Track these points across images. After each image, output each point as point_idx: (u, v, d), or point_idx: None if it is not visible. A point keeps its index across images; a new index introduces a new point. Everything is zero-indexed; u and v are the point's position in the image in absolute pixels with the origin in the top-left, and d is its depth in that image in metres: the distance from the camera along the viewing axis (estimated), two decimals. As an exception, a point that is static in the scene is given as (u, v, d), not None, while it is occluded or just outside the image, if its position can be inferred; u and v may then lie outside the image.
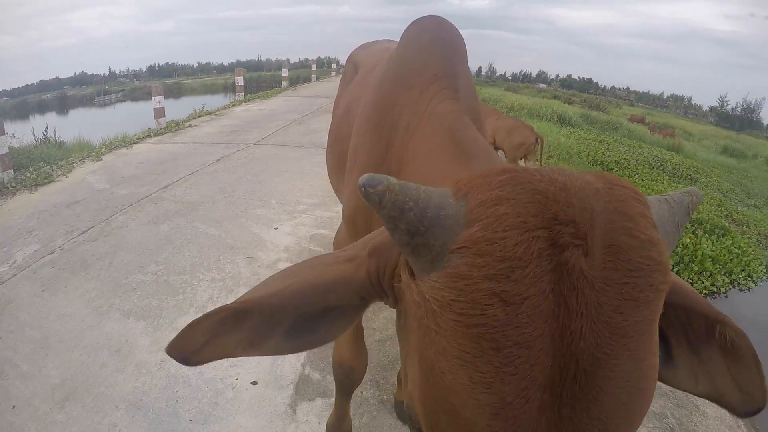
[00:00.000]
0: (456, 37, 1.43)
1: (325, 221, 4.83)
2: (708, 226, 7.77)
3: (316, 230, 4.61)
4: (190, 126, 10.08)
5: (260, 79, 58.10)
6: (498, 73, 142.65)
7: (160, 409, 2.42)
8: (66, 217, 4.93)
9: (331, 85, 21.34)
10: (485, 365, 0.53)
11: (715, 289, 6.40)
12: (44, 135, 9.83)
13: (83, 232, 4.51)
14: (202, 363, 0.76)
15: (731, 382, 0.76)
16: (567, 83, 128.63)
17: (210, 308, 1.72)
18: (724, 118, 72.67)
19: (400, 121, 1.30)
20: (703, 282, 6.36)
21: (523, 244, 0.53)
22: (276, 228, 4.59)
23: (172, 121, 10.31)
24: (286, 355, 2.73)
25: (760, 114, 71.98)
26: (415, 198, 0.57)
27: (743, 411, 0.75)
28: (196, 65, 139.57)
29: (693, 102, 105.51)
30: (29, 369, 2.70)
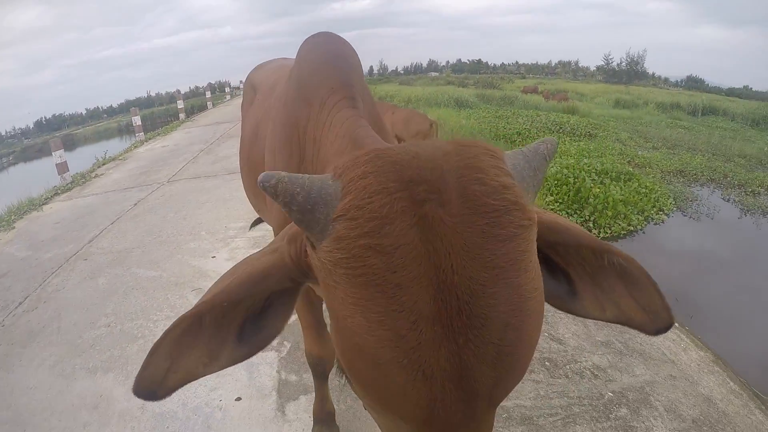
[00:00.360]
0: (347, 48, 1.61)
1: (258, 240, 5.02)
2: (613, 174, 8.50)
3: (252, 250, 4.71)
4: (96, 176, 9.87)
5: (155, 115, 56.61)
6: (390, 69, 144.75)
7: (157, 448, 2.55)
8: (-4, 293, 4.87)
9: (229, 109, 21.20)
10: (375, 306, 0.65)
11: (632, 228, 7.13)
12: None
13: (20, 303, 4.47)
14: (169, 393, 0.83)
15: (635, 305, 0.88)
16: (458, 68, 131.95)
17: None
18: (611, 74, 76.65)
19: (306, 135, 1.45)
20: (619, 224, 7.04)
21: (387, 205, 0.66)
22: (213, 257, 4.73)
23: (78, 174, 10.07)
24: (261, 368, 2.94)
25: (645, 65, 76.21)
26: (302, 184, 0.71)
27: (653, 329, 0.88)
28: (84, 112, 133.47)
29: (580, 65, 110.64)
30: (8, 450, 2.75)
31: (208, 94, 25.39)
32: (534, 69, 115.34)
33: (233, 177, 7.61)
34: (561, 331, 3.45)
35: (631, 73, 73.96)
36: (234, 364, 0.90)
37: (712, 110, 26.54)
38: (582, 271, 0.90)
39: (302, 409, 2.70)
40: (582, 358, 3.16)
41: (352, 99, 1.37)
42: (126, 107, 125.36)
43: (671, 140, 15.11)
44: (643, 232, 7.27)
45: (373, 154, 0.73)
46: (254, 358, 2.64)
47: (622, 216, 7.19)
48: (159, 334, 2.35)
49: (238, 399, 2.82)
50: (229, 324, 0.87)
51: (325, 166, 1.32)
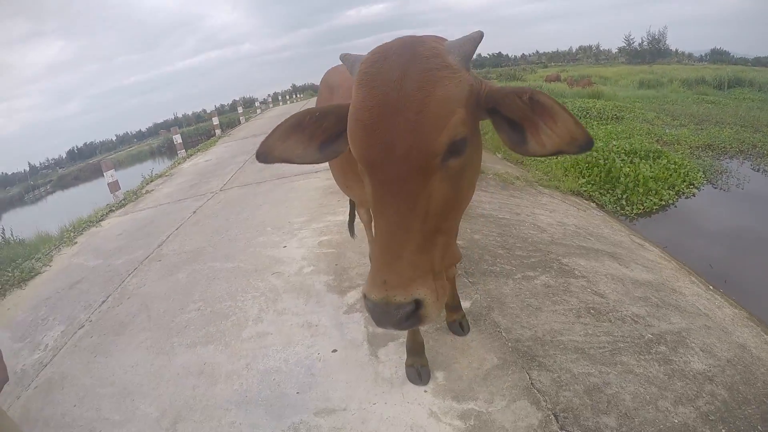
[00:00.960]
0: None
1: (323, 230, 5.23)
2: (642, 153, 8.78)
3: (320, 238, 5.01)
4: (147, 192, 10.26)
5: (185, 135, 57.75)
6: None
7: (267, 396, 2.77)
8: (75, 297, 5.12)
9: (261, 122, 21.69)
10: (359, 98, 1.25)
11: (663, 203, 7.45)
12: (2, 237, 9.86)
13: (103, 302, 4.73)
14: (274, 161, 1.51)
15: (560, 133, 1.19)
16: (479, 62, 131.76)
17: (264, 317, 2.36)
18: (634, 55, 75.50)
19: None
20: (651, 199, 7.36)
21: (377, 61, 1.26)
22: (285, 246, 4.94)
23: (129, 191, 10.50)
24: (350, 326, 3.18)
25: (667, 42, 75.10)
26: (352, 57, 1.45)
27: (576, 148, 1.20)
28: (115, 138, 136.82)
29: (602, 48, 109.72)
30: (122, 417, 2.96)
31: (240, 110, 26.30)
32: (555, 57, 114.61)
33: (283, 181, 7.87)
34: (602, 288, 3.67)
35: (654, 51, 72.80)
36: (312, 163, 1.55)
37: (738, 82, 26.25)
38: (522, 117, 1.26)
39: (392, 352, 2.93)
40: (622, 308, 3.38)
41: None
42: (155, 130, 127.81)
43: (698, 116, 15.17)
44: (675, 206, 7.51)
45: (381, 47, 1.33)
46: (344, 319, 2.91)
47: (653, 192, 7.48)
48: (250, 310, 2.79)
49: (334, 351, 3.04)
50: (316, 133, 1.50)
51: None
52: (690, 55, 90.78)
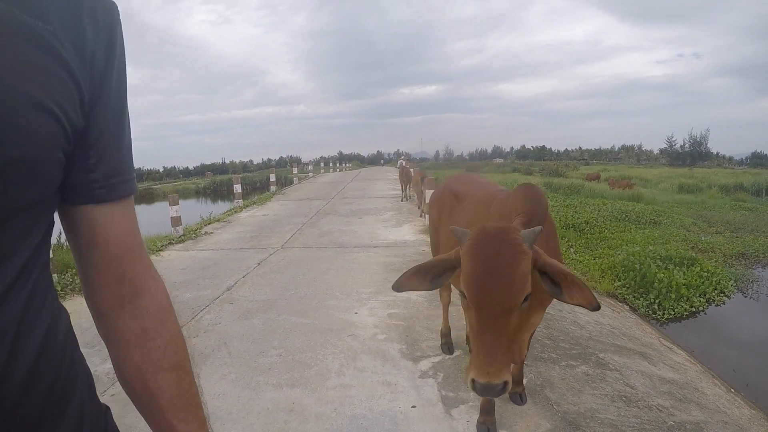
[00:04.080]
0: (540, 194, 2.75)
1: (390, 303, 5.73)
2: (677, 259, 9.32)
3: (389, 310, 5.50)
4: (206, 233, 10.97)
5: (231, 182, 59.37)
6: (455, 154, 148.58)
7: (355, 439, 3.27)
8: (146, 320, 5.66)
9: (315, 186, 22.60)
10: (468, 263, 2.08)
11: (694, 309, 7.90)
12: (58, 240, 10.54)
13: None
14: (402, 291, 2.35)
15: (582, 296, 2.06)
16: (522, 154, 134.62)
17: (345, 372, 4.01)
18: (675, 157, 76.44)
19: None
20: (682, 305, 7.84)
21: (479, 243, 2.08)
22: (356, 313, 5.44)
23: (188, 227, 11.25)
24: (425, 389, 3.83)
25: (708, 145, 75.98)
26: (462, 231, 2.19)
27: (592, 308, 2.03)
28: (162, 170, 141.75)
29: (644, 149, 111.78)
30: (209, 437, 3.41)
31: (295, 170, 27.37)
32: (597, 154, 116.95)
33: (344, 251, 8.48)
34: (632, 381, 4.23)
35: (695, 154, 73.31)
36: (429, 290, 2.39)
37: None
38: (561, 281, 2.12)
39: (464, 412, 3.46)
40: (649, 399, 3.94)
41: (530, 220, 2.50)
42: (201, 170, 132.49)
43: (734, 223, 15.66)
44: (705, 313, 7.94)
45: (481, 227, 2.13)
46: (419, 382, 3.61)
47: (685, 299, 7.94)
48: (331, 364, 4.17)
49: (413, 407, 3.53)
50: (428, 275, 2.30)
51: None
52: (731, 159, 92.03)
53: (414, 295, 5.87)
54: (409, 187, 15.84)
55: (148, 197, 69.07)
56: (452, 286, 4.07)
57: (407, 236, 9.83)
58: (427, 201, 10.65)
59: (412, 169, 16.16)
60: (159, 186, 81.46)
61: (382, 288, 6.29)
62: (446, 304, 4.45)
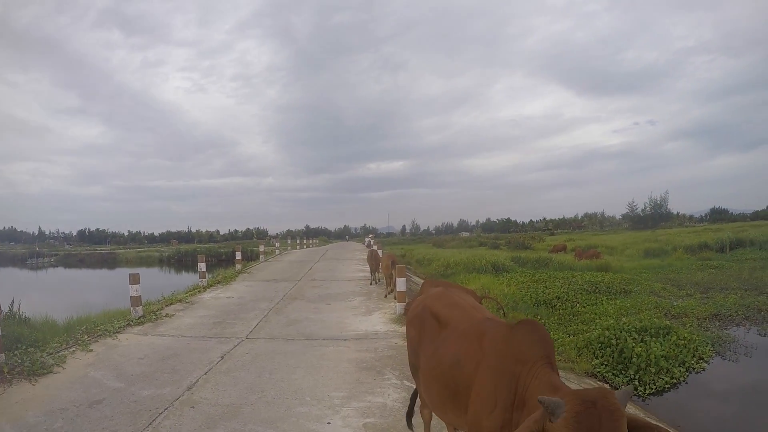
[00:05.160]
0: (547, 334, 2.73)
1: (365, 411, 5.41)
2: (652, 330, 9.29)
3: (364, 419, 5.18)
4: (167, 315, 10.53)
5: (197, 251, 59.13)
6: (422, 229, 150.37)
7: None
8: (98, 420, 5.20)
9: (282, 266, 22.22)
10: None
11: (675, 381, 7.80)
12: (10, 309, 9.98)
13: (131, 438, 4.86)
14: None
15: None
16: (488, 227, 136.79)
17: None
18: (637, 221, 79.21)
19: (519, 379, 2.56)
20: (662, 378, 7.77)
21: (581, 415, 1.94)
22: (329, 423, 5.09)
23: (148, 305, 10.86)
24: None
25: (668, 206, 79.34)
26: (555, 402, 2.00)
27: None
28: (126, 233, 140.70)
29: (606, 215, 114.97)
30: None
31: (262, 248, 26.80)
32: (562, 224, 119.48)
33: (312, 344, 8.14)
34: None
35: (656, 216, 76.28)
36: None
37: (739, 243, 28.74)
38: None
39: None
40: None
41: (551, 364, 2.57)
42: (166, 237, 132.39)
43: (703, 283, 16.10)
44: (686, 383, 7.86)
45: (577, 397, 2.01)
46: None
47: (665, 371, 7.87)
48: None
49: None
50: None
51: (530, 398, 2.44)
52: (691, 217, 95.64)
53: (390, 401, 5.62)
54: (378, 272, 15.63)
55: (111, 262, 68.58)
56: None
57: (378, 326, 9.52)
58: (398, 287, 10.45)
59: (380, 251, 15.96)
60: (122, 251, 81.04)
61: (355, 392, 5.97)
62: (428, 421, 4.29)
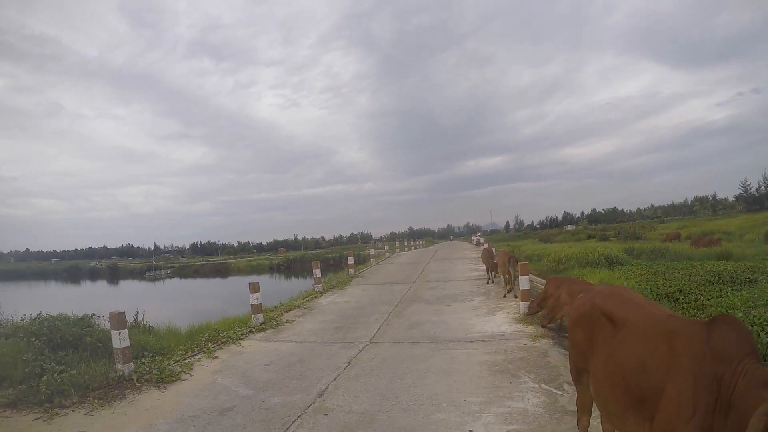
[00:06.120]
0: (747, 330, 2.46)
1: (507, 417, 4.94)
2: None
3: (507, 426, 4.72)
4: (287, 322, 10.48)
5: (305, 258, 60.81)
6: (526, 224, 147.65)
7: None
8: (230, 428, 5.05)
9: (395, 268, 22.08)
10: None
11: None
12: (134, 319, 10.28)
13: (267, 446, 4.63)
14: None
15: None
16: (593, 218, 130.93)
17: None
18: (752, 202, 72.91)
19: (722, 381, 2.27)
20: None
21: None
22: (471, 431, 4.67)
23: (267, 312, 10.87)
24: None
25: None
26: None
27: None
28: (236, 244, 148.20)
29: (718, 197, 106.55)
30: None
31: (372, 251, 26.81)
32: (671, 210, 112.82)
33: (439, 347, 7.72)
34: None
35: None
36: None
37: None
38: None
39: None
40: None
41: (757, 359, 2.29)
42: (274, 246, 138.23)
43: None
44: None
45: None
46: None
47: None
48: None
49: None
50: None
51: (740, 399, 2.19)
52: None
53: (531, 406, 5.13)
54: (495, 270, 14.89)
55: (223, 271, 72.04)
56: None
57: (503, 327, 8.96)
58: (521, 286, 9.85)
59: (493, 248, 15.32)
60: (233, 261, 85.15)
61: (493, 396, 5.47)
62: (585, 429, 3.91)
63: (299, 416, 5.25)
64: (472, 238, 54.97)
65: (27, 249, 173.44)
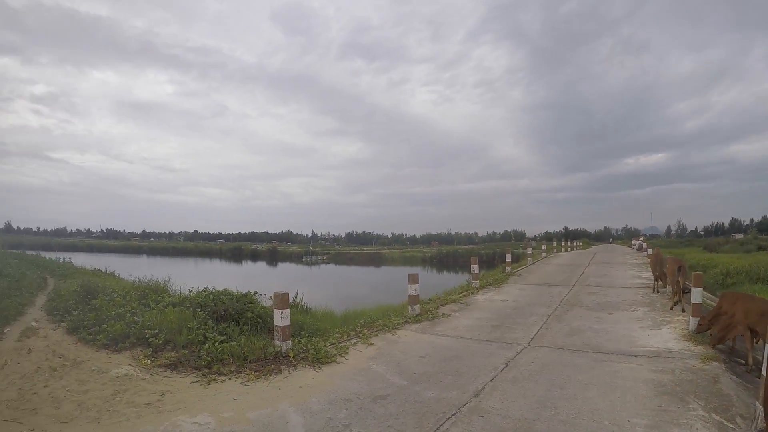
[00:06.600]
0: None
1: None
2: None
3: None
4: (443, 315, 10.42)
5: (457, 253, 60.90)
6: (688, 229, 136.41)
7: None
8: (382, 417, 5.03)
9: (550, 269, 21.45)
10: None
11: None
12: (294, 299, 10.73)
13: (419, 441, 4.55)
14: None
15: None
16: (764, 226, 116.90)
17: None
18: None
19: None
20: None
21: None
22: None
23: (423, 305, 10.84)
24: None
25: None
26: None
27: None
28: (390, 236, 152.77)
29: None
30: None
31: (530, 250, 26.41)
32: None
33: (600, 358, 7.20)
34: None
35: None
36: None
37: None
38: None
39: None
40: None
41: None
42: (427, 239, 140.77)
43: None
44: None
45: None
46: None
47: None
48: None
49: None
50: None
51: None
52: None
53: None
54: (662, 279, 13.69)
55: (377, 260, 74.43)
56: None
57: (670, 343, 8.15)
58: (693, 299, 8.91)
59: (663, 255, 14.22)
60: (387, 251, 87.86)
61: (658, 421, 4.94)
62: None
63: (453, 414, 5.12)
64: (633, 242, 51.30)
65: (195, 230, 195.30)
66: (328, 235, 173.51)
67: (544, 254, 31.30)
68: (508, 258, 20.20)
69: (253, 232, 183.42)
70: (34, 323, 8.80)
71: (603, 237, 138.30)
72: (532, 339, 8.43)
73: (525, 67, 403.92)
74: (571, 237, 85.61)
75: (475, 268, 15.22)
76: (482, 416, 5.07)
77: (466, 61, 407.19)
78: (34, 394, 5.78)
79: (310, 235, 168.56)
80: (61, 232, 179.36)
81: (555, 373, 6.56)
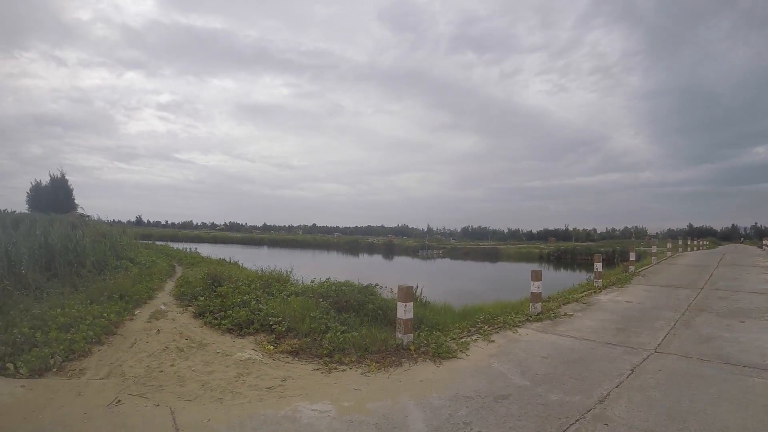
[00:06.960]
0: None
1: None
2: None
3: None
4: (565, 315, 10.32)
5: (577, 251, 59.31)
6: None
7: None
8: (504, 417, 5.10)
9: (675, 269, 20.53)
10: None
11: None
12: (415, 292, 10.99)
13: (544, 445, 4.60)
14: None
15: None
16: None
17: None
18: None
19: None
20: None
21: None
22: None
23: (545, 303, 10.75)
24: None
25: None
26: None
27: None
28: (506, 231, 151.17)
29: None
30: None
31: (654, 249, 25.21)
32: None
33: (731, 370, 6.79)
34: None
35: None
36: None
37: None
38: None
39: None
40: None
41: None
42: (544, 235, 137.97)
43: None
44: None
45: None
46: None
47: None
48: None
49: None
50: None
51: None
52: None
53: None
54: None
55: (493, 256, 74.10)
56: None
57: None
58: None
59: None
60: (503, 247, 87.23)
61: None
62: None
63: (577, 420, 5.12)
64: (765, 242, 47.13)
65: (314, 224, 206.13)
66: (444, 229, 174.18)
67: (668, 253, 29.90)
68: (633, 257, 19.40)
69: (369, 226, 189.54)
70: (162, 306, 9.64)
71: (730, 235, 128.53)
72: (659, 345, 8.16)
73: (642, 50, 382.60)
74: (695, 235, 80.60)
75: (598, 266, 14.87)
76: (607, 425, 5.04)
77: (580, 47, 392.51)
78: (161, 372, 6.37)
79: (425, 229, 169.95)
80: (187, 225, 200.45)
81: (683, 384, 6.35)
